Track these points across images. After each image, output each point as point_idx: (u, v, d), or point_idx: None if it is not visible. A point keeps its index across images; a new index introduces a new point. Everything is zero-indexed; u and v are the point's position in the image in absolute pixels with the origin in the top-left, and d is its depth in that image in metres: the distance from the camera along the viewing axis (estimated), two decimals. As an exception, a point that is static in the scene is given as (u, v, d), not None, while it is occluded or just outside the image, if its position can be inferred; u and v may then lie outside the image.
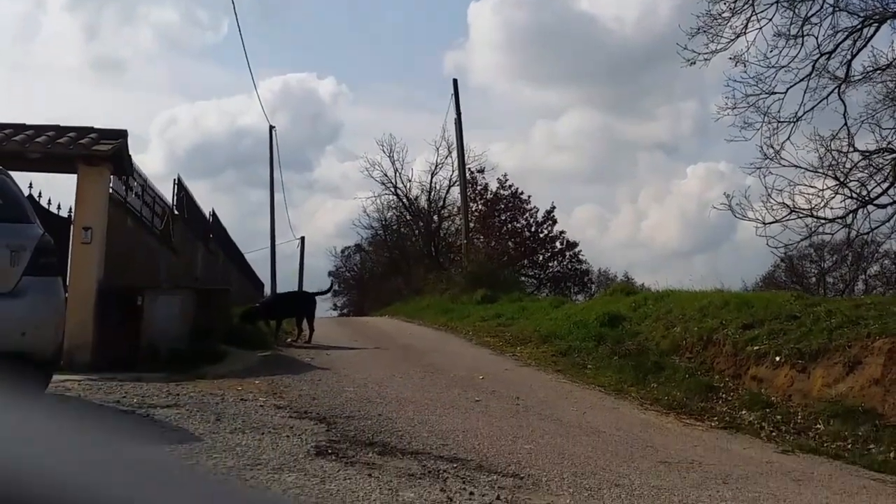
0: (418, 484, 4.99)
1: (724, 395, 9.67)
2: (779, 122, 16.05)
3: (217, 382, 8.57)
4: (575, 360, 11.93)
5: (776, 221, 15.85)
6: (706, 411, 9.11)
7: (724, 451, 7.24)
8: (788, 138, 16.00)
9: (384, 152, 39.85)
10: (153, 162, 71.93)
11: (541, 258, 36.91)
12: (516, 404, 8.64)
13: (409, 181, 37.84)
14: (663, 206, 67.68)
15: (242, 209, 71.78)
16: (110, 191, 10.76)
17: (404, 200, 38.15)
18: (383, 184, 37.73)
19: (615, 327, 13.12)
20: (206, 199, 64.77)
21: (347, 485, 4.77)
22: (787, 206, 15.81)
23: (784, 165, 15.92)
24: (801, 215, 15.87)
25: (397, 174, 37.60)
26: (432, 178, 37.11)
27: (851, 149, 15.76)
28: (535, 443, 6.66)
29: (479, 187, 35.61)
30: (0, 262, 6.27)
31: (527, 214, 36.56)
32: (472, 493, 4.86)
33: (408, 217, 38.90)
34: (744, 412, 8.97)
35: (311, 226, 77.86)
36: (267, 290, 33.59)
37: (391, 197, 38.25)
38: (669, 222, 66.27)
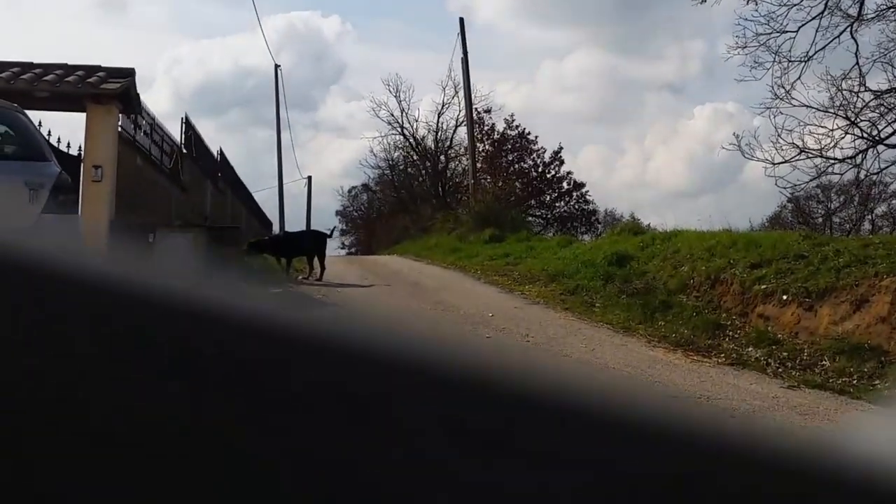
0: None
1: (731, 333, 9.74)
2: (789, 61, 15.95)
3: (231, 319, 8.64)
4: (583, 299, 11.98)
5: (785, 162, 15.83)
6: (713, 348, 9.19)
7: (731, 386, 7.33)
8: (799, 78, 15.90)
9: (390, 92, 39.55)
10: (159, 101, 71.65)
11: (548, 198, 36.85)
12: (526, 341, 8.71)
13: (416, 121, 37.61)
14: (670, 147, 67.10)
15: (249, 148, 71.46)
16: (119, 129, 10.78)
17: (411, 140, 37.96)
18: (390, 124, 37.54)
19: (623, 266, 13.14)
20: (214, 138, 64.63)
21: (362, 417, 4.86)
22: (797, 147, 15.79)
23: (794, 105, 15.85)
24: (810, 155, 15.84)
25: (404, 114, 37.36)
26: (439, 118, 36.89)
27: (863, 88, 15.67)
28: (546, 378, 6.74)
29: (485, 128, 35.40)
30: (19, 200, 6.32)
31: (534, 155, 36.43)
32: (485, 426, 4.96)
33: (415, 157, 38.73)
34: (750, 349, 9.05)
35: (317, 165, 77.72)
36: (276, 228, 33.69)
37: (398, 137, 38.05)
38: (676, 163, 65.82)
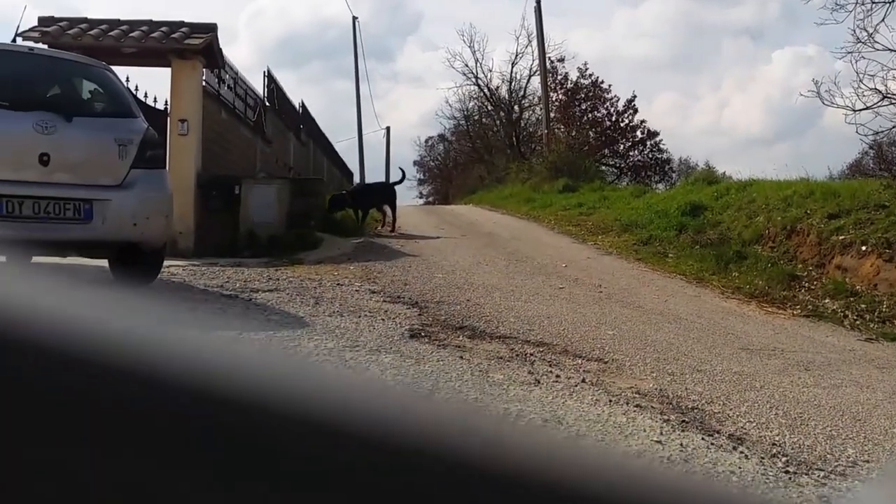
0: (507, 366, 5.20)
1: (806, 284, 9.66)
2: (873, 2, 15.34)
3: (314, 268, 8.97)
4: (656, 249, 11.98)
5: (867, 108, 15.33)
6: (788, 300, 9.14)
7: (807, 338, 7.31)
8: (883, 20, 15.25)
9: (465, 42, 39.71)
10: (242, 54, 73.16)
11: (621, 147, 36.42)
12: (599, 292, 8.79)
13: (490, 71, 37.74)
14: (746, 93, 65.73)
15: (330, 99, 72.80)
16: (203, 83, 11.07)
17: (485, 91, 37.99)
18: (464, 74, 37.76)
19: (696, 217, 13.08)
20: (295, 90, 65.83)
21: (441, 366, 5.02)
22: (879, 92, 15.26)
23: (878, 49, 15.29)
24: (893, 101, 15.34)
25: (478, 64, 37.59)
26: (512, 68, 36.83)
27: (952, 31, 15.06)
28: (618, 329, 6.82)
29: (559, 77, 34.99)
30: (109, 156, 6.57)
31: (607, 104, 35.91)
32: (558, 376, 5.05)
33: (489, 107, 38.75)
34: (827, 301, 8.98)
35: (395, 116, 78.40)
36: (356, 178, 34.29)
37: (472, 87, 38.22)
38: (752, 109, 64.47)
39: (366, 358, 5.04)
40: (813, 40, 65.36)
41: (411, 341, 5.66)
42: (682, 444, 3.95)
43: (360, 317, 6.34)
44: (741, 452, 3.95)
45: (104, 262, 7.29)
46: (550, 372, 5.15)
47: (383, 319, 6.32)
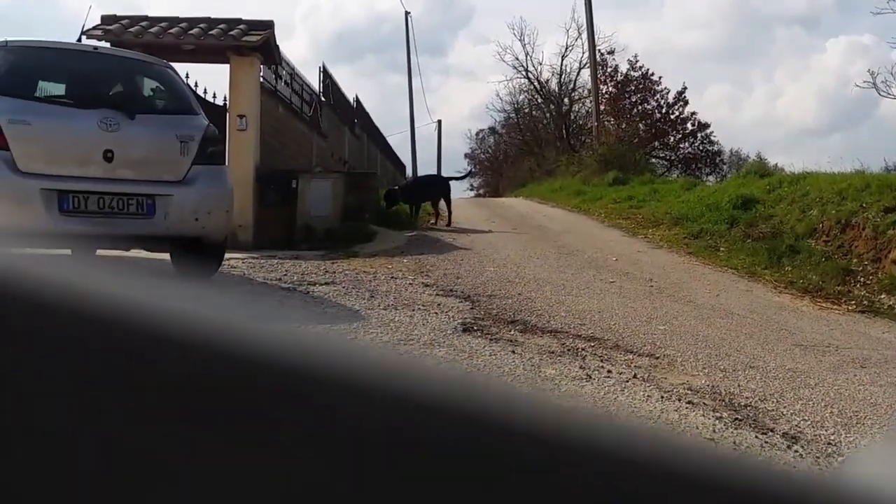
0: (558, 361, 5.22)
1: (862, 279, 9.54)
2: (933, -8, 15.06)
3: (369, 261, 9.10)
4: (707, 243, 11.91)
5: (925, 99, 15.06)
6: (843, 295, 9.03)
7: (862, 335, 7.21)
8: (943, 10, 15.02)
9: (515, 36, 40.06)
10: (298, 49, 74.27)
11: (672, 140, 36.17)
12: (650, 286, 8.77)
13: (540, 64, 37.97)
14: (800, 83, 64.62)
15: (383, 94, 73.52)
16: (261, 79, 11.27)
17: (535, 84, 38.17)
18: (515, 68, 38.10)
19: (748, 210, 12.95)
20: (349, 84, 66.57)
21: (493, 360, 5.07)
22: (938, 83, 15.00)
23: (937, 39, 15.01)
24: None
25: (528, 58, 37.72)
26: (562, 60, 36.99)
27: None
28: (670, 324, 6.81)
29: (609, 69, 34.86)
30: (171, 152, 6.74)
31: (657, 96, 35.67)
32: (609, 371, 5.06)
33: (539, 100, 38.90)
34: (883, 296, 8.86)
35: (447, 109, 78.89)
36: (408, 171, 34.65)
37: (522, 80, 38.41)
38: (806, 100, 63.39)
39: (420, 352, 5.12)
40: (869, 29, 64.13)
41: (464, 335, 5.72)
42: (735, 442, 3.95)
43: (413, 310, 6.43)
44: (795, 451, 3.93)
45: (166, 256, 7.49)
46: (602, 367, 5.16)
47: (436, 313, 6.40)
